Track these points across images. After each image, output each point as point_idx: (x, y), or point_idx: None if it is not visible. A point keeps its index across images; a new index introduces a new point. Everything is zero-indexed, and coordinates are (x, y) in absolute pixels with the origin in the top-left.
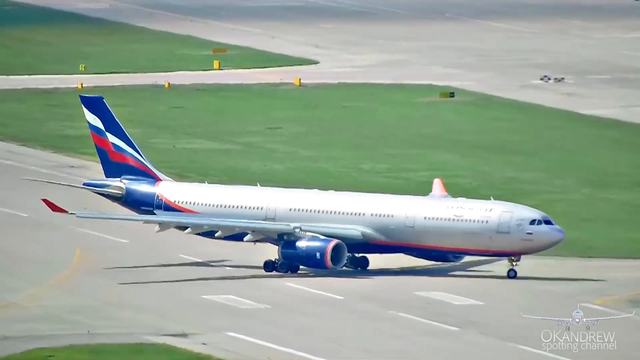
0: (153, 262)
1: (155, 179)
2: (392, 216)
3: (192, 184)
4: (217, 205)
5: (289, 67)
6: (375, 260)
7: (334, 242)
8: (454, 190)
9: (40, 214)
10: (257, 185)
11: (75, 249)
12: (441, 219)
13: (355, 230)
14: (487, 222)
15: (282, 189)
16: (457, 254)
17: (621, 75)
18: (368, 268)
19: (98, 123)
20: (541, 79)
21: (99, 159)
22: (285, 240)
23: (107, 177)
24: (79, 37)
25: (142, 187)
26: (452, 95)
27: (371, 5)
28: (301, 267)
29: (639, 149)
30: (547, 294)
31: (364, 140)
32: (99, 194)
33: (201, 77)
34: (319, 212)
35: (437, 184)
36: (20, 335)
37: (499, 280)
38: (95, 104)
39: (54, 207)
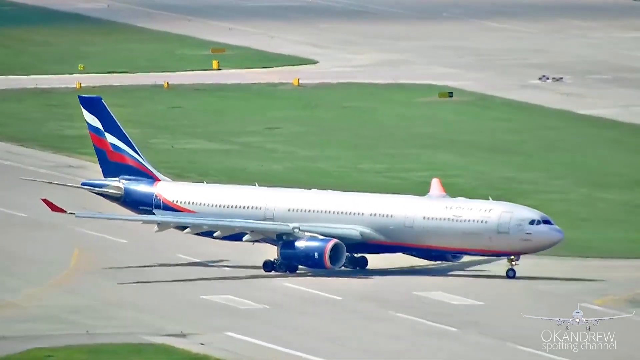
0: (152, 262)
1: (153, 179)
2: (392, 216)
3: (191, 184)
4: (216, 205)
5: (288, 67)
6: (374, 260)
7: (333, 242)
8: (453, 190)
9: (39, 214)
10: (255, 185)
11: (74, 249)
12: (440, 219)
13: (354, 230)
14: (486, 222)
15: (281, 188)
16: (457, 254)
17: (620, 75)
18: (367, 268)
19: (97, 123)
20: (540, 79)
21: (97, 159)
22: (284, 240)
23: (105, 177)
24: (78, 37)
25: (141, 187)
26: (450, 95)
27: (370, 5)
28: (300, 267)
29: (638, 149)
30: (546, 294)
31: (362, 140)
32: (97, 194)
33: (200, 77)
34: (317, 212)
35: (435, 183)
36: (19, 335)
37: (498, 280)
38: (94, 104)
39: (53, 207)
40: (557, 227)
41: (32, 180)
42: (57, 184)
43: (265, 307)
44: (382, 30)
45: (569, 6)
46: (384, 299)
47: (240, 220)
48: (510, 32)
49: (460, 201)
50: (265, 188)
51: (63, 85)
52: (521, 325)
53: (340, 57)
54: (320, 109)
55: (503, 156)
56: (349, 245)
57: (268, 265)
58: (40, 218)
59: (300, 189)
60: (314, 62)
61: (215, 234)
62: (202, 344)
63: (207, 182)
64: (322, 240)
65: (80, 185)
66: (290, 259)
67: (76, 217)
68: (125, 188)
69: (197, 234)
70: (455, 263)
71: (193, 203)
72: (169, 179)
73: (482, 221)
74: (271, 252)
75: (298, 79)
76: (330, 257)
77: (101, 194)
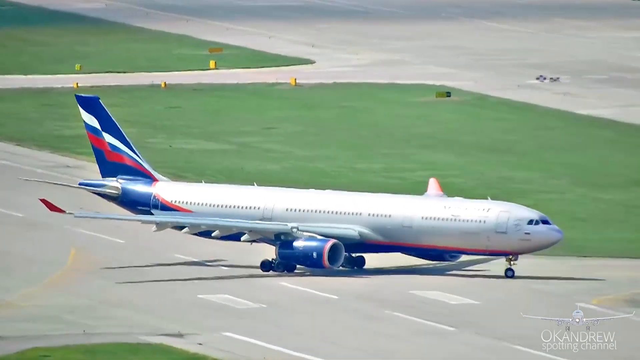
0: (149, 261)
1: (151, 179)
2: (390, 216)
3: (189, 184)
4: (214, 205)
5: (285, 67)
6: (372, 260)
7: (331, 242)
8: (450, 190)
9: (36, 213)
10: (253, 185)
11: (71, 249)
12: (439, 218)
13: (352, 230)
14: (484, 222)
15: (279, 188)
16: (455, 253)
17: (617, 75)
18: (364, 267)
19: (94, 123)
20: (537, 79)
21: (95, 158)
22: (282, 240)
23: (103, 177)
24: (76, 37)
25: (139, 187)
26: (448, 94)
27: (367, 5)
28: (298, 266)
29: (634, 149)
30: (543, 294)
31: (359, 140)
32: (95, 193)
33: (197, 76)
34: (316, 212)
35: (432, 183)
36: (16, 335)
37: (495, 279)
38: (91, 103)
39: (51, 207)
40: (555, 227)
41: (29, 180)
42: (54, 183)
43: (263, 306)
44: (379, 30)
45: (566, 6)
46: (381, 298)
47: (238, 220)
48: (508, 32)
49: (459, 201)
50: (264, 188)
51: (60, 85)
52: (520, 325)
53: (337, 57)
54: (317, 108)
55: (500, 156)
56: (347, 245)
57: (266, 265)
58: (37, 218)
59: (298, 189)
60: (312, 62)
61: (213, 234)
62: (200, 344)
63: (204, 182)
64: (320, 240)
65: (78, 185)
66: (289, 259)
67: (75, 217)
68: (123, 188)
69: (195, 233)
70: (453, 263)
71: (191, 203)
72: (167, 179)
73: (480, 221)
74: (269, 252)
75: (295, 79)
76: (329, 257)
77: (99, 194)
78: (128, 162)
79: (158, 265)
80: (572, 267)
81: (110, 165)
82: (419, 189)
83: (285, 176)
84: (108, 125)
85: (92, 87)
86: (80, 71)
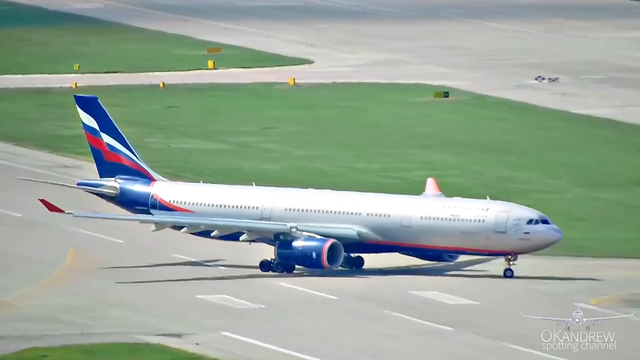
0: (147, 261)
1: (149, 179)
2: (389, 216)
3: (187, 184)
4: (213, 205)
5: (284, 67)
6: (370, 260)
7: (330, 241)
8: (449, 190)
9: (34, 213)
10: (252, 184)
11: (69, 248)
12: (438, 218)
13: (351, 230)
14: (484, 221)
15: (277, 188)
16: (454, 253)
17: (616, 75)
18: (363, 268)
19: (92, 123)
20: (535, 79)
21: (93, 158)
22: (281, 240)
23: (101, 177)
24: (74, 37)
25: (137, 187)
26: (446, 94)
27: (366, 5)
28: (297, 266)
29: (633, 149)
30: (541, 294)
31: (358, 140)
32: (93, 193)
33: (196, 76)
34: (315, 211)
35: (430, 183)
36: (14, 335)
37: (494, 279)
38: (89, 103)
39: (50, 207)
40: (555, 226)
41: (27, 180)
42: (53, 183)
43: (261, 306)
44: (377, 30)
45: (565, 6)
46: (380, 298)
47: (237, 220)
48: (508, 32)
49: (458, 201)
50: (262, 188)
51: (58, 85)
52: (520, 325)
53: (336, 57)
54: (316, 108)
55: (499, 156)
56: (346, 245)
57: (265, 265)
58: (36, 218)
59: (297, 189)
60: (310, 62)
61: (212, 234)
62: (198, 344)
63: (203, 182)
64: (319, 240)
65: (76, 185)
66: (288, 259)
67: (74, 217)
68: (121, 188)
69: (194, 233)
70: (452, 263)
71: (189, 203)
72: (165, 179)
73: (479, 220)
74: (268, 252)
75: (294, 79)
76: (328, 257)
77: (97, 194)
78: (126, 162)
79: (156, 265)
80: (571, 267)
81: (108, 165)
82: (418, 189)
83: (284, 176)
84: (106, 125)
85: (90, 87)
86: (79, 71)
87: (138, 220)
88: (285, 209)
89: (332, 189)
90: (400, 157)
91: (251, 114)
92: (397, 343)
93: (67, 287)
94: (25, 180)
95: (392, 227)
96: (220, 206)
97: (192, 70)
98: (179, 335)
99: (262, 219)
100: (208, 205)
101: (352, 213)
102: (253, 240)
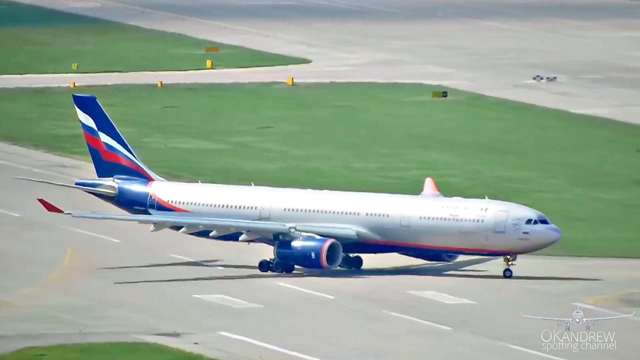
0: (145, 261)
1: (147, 179)
2: (388, 216)
3: (185, 184)
4: (211, 205)
5: (282, 67)
6: (369, 260)
7: (330, 241)
8: (447, 190)
9: (33, 213)
10: (250, 184)
11: (67, 248)
12: (437, 218)
13: (350, 230)
14: (482, 221)
15: (276, 188)
16: (453, 253)
17: (615, 75)
18: (362, 268)
19: (90, 122)
20: (534, 79)
21: (91, 158)
22: (280, 240)
23: (99, 176)
24: (72, 37)
25: (135, 187)
26: (444, 94)
27: (364, 5)
28: (296, 266)
29: (632, 149)
30: (540, 294)
31: (356, 140)
32: (91, 193)
33: (194, 76)
34: (314, 211)
35: (428, 183)
36: (12, 335)
37: (492, 279)
38: (87, 103)
39: (49, 207)
40: (554, 226)
41: (25, 179)
42: (51, 183)
43: (260, 306)
44: (376, 29)
45: (564, 6)
46: (379, 298)
47: (236, 220)
48: (505, 31)
49: (456, 200)
50: (261, 188)
51: (57, 85)
52: (519, 325)
53: (334, 57)
54: (314, 108)
55: (497, 155)
56: (345, 245)
57: (264, 265)
58: (34, 218)
59: (296, 189)
60: (308, 62)
61: (211, 234)
62: (196, 344)
63: (201, 182)
64: (318, 240)
65: (74, 185)
66: (287, 259)
67: (73, 216)
68: (119, 188)
69: (192, 233)
70: (451, 263)
71: (188, 203)
72: (163, 179)
73: (478, 220)
74: (266, 252)
75: (292, 78)
76: (327, 256)
77: (95, 194)
78: (124, 162)
79: (154, 265)
80: (570, 267)
81: (106, 165)
82: (416, 189)
83: (282, 176)
84: (104, 125)
85: (88, 86)
86: (77, 71)
87: (137, 220)
88: (284, 209)
89: (330, 189)
90: (398, 157)
91: (249, 114)
92: (396, 343)
93: (66, 287)
94: (23, 180)
95: (391, 227)
96: (219, 206)
97: (191, 70)
98: (177, 335)
99: (260, 219)
100: (206, 205)
101: (351, 213)
102: (252, 240)
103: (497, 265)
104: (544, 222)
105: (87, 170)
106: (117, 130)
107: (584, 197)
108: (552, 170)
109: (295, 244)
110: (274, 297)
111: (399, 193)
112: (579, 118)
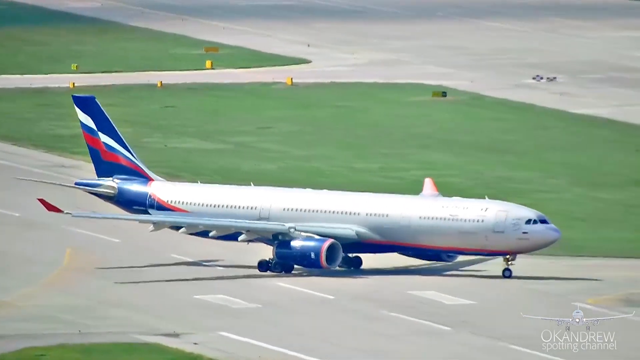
0: (145, 261)
1: (147, 179)
2: (387, 216)
3: (185, 184)
4: (211, 205)
5: (282, 67)
6: (369, 260)
7: (329, 241)
8: (447, 190)
9: (33, 213)
10: (250, 184)
11: (67, 248)
12: (437, 218)
13: (350, 229)
14: (482, 221)
15: (276, 188)
16: (453, 253)
17: (615, 75)
18: (361, 268)
19: (90, 122)
20: (533, 78)
21: (90, 158)
22: (280, 240)
23: (99, 176)
24: (72, 37)
25: (135, 187)
26: (444, 94)
27: (364, 5)
28: (295, 266)
29: (632, 149)
30: (539, 294)
31: (356, 140)
32: (91, 193)
33: (193, 76)
34: (313, 211)
35: (428, 183)
36: (12, 334)
37: (492, 279)
38: (87, 103)
39: (49, 207)
40: (553, 226)
41: (25, 179)
42: (50, 183)
43: (259, 306)
44: (375, 29)
45: (564, 6)
46: (379, 298)
47: (236, 220)
48: (505, 31)
49: (456, 200)
50: (260, 188)
51: (56, 85)
52: (519, 325)
53: (334, 57)
54: (314, 108)
55: (497, 155)
56: (344, 245)
57: (263, 265)
58: (34, 218)
59: (295, 189)
60: (308, 62)
61: (210, 234)
62: (196, 344)
63: (201, 182)
64: (318, 240)
65: (73, 185)
66: (286, 259)
67: (73, 216)
68: (119, 188)
69: (192, 233)
70: (451, 263)
71: (187, 203)
72: (163, 179)
73: (478, 220)
74: (266, 252)
75: (292, 79)
76: (327, 256)
77: (95, 194)
78: (123, 162)
79: (154, 265)
80: (570, 267)
81: (106, 165)
82: (417, 189)
83: (282, 176)
84: (104, 125)
85: (88, 86)
86: (77, 71)
87: (137, 220)
88: (284, 209)
89: (330, 189)
90: (399, 157)
91: (249, 114)
92: (396, 343)
93: (66, 287)
94: (23, 180)
95: (391, 227)
96: (219, 206)
97: (190, 70)
98: (176, 335)
99: (260, 219)
100: (206, 205)
101: (350, 213)
102: (251, 240)
103: (496, 265)
104: (543, 222)
105: (86, 170)
106: (117, 130)
107: (584, 197)
108: (552, 170)
109: (295, 244)
110: (273, 297)
111: (400, 193)
112: (579, 118)
